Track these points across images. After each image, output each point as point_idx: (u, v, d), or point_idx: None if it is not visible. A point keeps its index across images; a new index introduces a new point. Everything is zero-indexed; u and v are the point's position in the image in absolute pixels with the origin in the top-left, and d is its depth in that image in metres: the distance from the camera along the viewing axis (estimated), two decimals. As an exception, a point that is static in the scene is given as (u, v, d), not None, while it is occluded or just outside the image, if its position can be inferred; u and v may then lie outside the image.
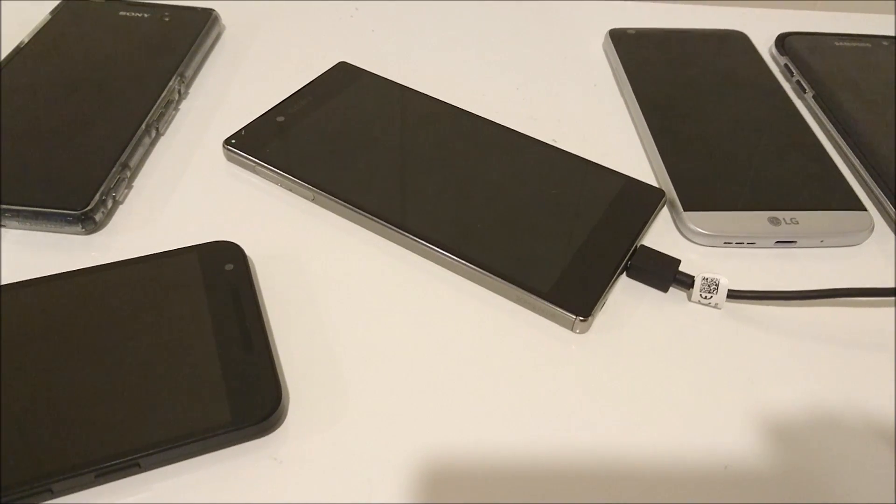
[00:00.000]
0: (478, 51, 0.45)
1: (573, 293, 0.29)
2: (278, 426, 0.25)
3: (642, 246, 0.31)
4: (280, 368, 0.27)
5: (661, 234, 0.34)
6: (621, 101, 0.41)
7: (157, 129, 0.36)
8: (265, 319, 0.28)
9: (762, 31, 0.47)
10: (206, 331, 0.26)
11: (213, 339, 0.26)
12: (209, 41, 0.42)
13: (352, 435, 0.25)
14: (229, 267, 0.29)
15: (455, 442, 0.25)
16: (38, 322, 0.26)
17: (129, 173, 0.34)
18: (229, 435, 0.24)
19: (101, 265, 0.29)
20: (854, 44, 0.45)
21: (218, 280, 0.28)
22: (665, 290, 0.31)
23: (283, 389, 0.25)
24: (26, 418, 0.23)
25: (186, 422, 0.24)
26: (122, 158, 0.33)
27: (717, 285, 0.29)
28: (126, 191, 0.34)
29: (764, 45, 0.46)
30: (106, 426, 0.23)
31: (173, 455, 0.24)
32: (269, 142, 0.35)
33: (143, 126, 0.35)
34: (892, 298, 0.30)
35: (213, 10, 0.43)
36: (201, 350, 0.26)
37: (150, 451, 0.23)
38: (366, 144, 0.35)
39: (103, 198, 0.31)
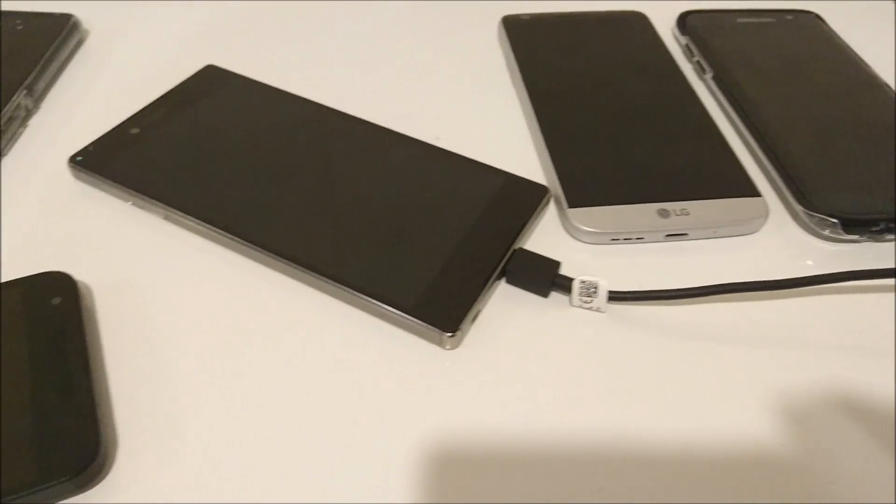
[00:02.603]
0: (370, 48, 0.42)
1: (440, 307, 0.26)
2: (102, 478, 0.23)
3: (520, 249, 0.29)
4: (108, 412, 0.24)
5: (550, 234, 0.32)
6: (513, 92, 0.39)
7: (-4, 149, 0.33)
8: (98, 355, 0.25)
9: (669, 10, 0.45)
10: (22, 378, 0.23)
11: (27, 387, 0.23)
12: (66, 49, 0.39)
13: (189, 479, 0.23)
14: (56, 301, 0.26)
15: (316, 477, 0.23)
16: None
17: (-39, 200, 0.31)
18: (37, 495, 0.21)
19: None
20: (757, 20, 0.43)
21: (42, 317, 0.25)
22: (545, 295, 0.29)
23: (106, 436, 0.23)
24: None
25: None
26: (-49, 184, 0.30)
27: (595, 288, 0.27)
28: (-41, 220, 0.31)
29: (668, 25, 0.44)
30: None
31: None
32: (119, 156, 0.32)
33: (-21, 147, 0.32)
34: (778, 291, 0.28)
35: (72, 16, 0.40)
36: (13, 402, 0.23)
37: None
38: (226, 154, 0.32)
39: (-76, 230, 0.28)
